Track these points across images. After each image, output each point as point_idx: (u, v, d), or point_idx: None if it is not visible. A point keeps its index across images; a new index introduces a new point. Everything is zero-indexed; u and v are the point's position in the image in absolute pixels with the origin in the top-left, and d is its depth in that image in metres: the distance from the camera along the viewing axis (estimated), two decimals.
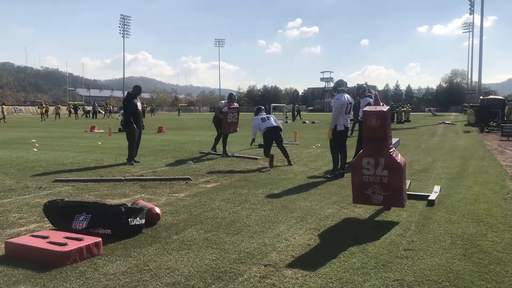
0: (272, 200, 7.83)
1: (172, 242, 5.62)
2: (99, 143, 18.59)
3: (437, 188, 8.60)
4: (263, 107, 15.52)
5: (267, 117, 14.35)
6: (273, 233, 5.96)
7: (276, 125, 13.87)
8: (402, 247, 5.47)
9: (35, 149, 16.08)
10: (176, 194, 8.32)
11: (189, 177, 9.92)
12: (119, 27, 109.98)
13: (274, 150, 13.40)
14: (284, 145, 13.75)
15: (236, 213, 6.92)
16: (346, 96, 10.78)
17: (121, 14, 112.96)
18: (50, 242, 5.17)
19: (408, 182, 8.59)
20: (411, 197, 7.87)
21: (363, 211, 7.07)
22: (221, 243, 5.58)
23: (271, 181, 9.65)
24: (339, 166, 10.70)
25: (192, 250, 5.37)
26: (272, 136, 13.70)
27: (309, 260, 5.08)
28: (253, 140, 13.79)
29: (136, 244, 5.55)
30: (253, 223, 6.37)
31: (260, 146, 16.76)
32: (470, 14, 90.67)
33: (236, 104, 15.48)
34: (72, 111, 58.80)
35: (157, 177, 9.90)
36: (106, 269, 4.83)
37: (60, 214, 6.07)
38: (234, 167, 11.80)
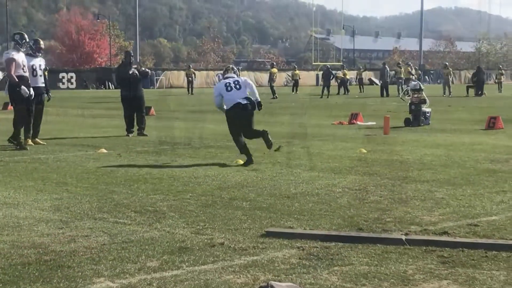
0: None
1: None
2: None
3: None
4: (231, 66, 13.34)
5: (234, 83, 11.90)
6: None
7: (243, 101, 11.75)
8: None
9: (241, 161, 12.13)
10: None
11: None
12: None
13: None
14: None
15: None
16: None
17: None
18: None
19: None
20: None
21: None
22: None
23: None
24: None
25: None
26: (238, 118, 11.84)
27: None
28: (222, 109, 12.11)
29: None
30: None
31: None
32: None
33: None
34: None
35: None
36: None
37: None
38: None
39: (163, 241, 6.21)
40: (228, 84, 11.90)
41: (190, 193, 8.80)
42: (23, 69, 13.68)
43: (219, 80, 12.40)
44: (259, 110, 12.16)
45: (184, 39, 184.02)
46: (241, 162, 11.63)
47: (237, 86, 11.85)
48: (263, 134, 11.99)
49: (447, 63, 53.41)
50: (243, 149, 11.75)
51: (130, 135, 16.86)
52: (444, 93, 45.03)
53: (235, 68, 13.14)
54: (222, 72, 12.54)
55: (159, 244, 6.10)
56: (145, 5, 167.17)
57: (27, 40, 14.01)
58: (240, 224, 6.95)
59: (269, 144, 11.99)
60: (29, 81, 14.01)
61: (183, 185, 9.50)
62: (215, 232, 6.58)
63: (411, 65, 50.22)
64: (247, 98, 11.88)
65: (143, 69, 17.46)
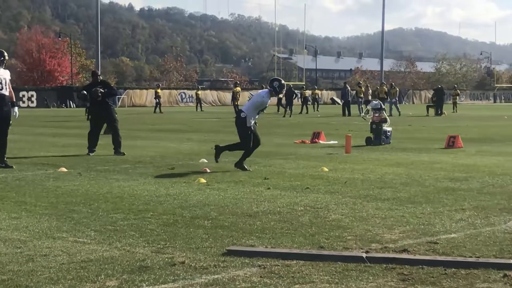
0: None
1: None
2: None
3: None
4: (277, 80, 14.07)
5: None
6: None
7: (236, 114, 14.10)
8: None
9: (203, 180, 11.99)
10: None
11: None
12: None
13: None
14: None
15: None
16: None
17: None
18: None
19: None
20: None
21: None
22: None
23: None
24: None
25: None
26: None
27: None
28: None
29: None
30: None
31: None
32: None
33: None
34: None
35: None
36: None
37: None
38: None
39: (123, 260, 6.15)
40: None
41: (151, 212, 8.73)
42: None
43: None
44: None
45: (146, 58, 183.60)
46: (203, 180, 11.61)
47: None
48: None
49: (393, 83, 53.95)
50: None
51: (91, 154, 16.69)
52: (399, 113, 45.23)
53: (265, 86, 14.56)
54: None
55: (119, 263, 6.04)
56: (107, 24, 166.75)
57: (6, 57, 13.77)
58: (201, 242, 6.92)
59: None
60: (12, 100, 13.86)
61: (144, 204, 9.43)
62: (176, 251, 6.53)
63: (385, 84, 50.41)
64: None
65: (96, 89, 17.13)
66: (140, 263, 6.05)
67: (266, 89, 13.85)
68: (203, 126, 32.53)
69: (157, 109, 53.32)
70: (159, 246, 6.78)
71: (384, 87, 47.26)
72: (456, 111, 51.16)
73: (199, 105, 59.22)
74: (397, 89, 49.70)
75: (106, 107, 17.17)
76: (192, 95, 73.89)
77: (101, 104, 17.00)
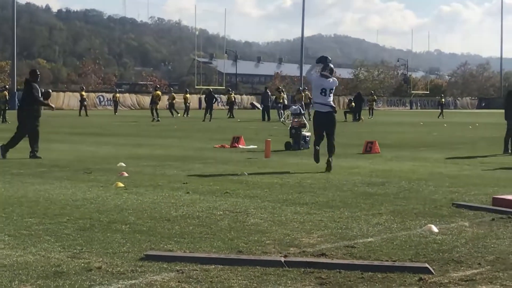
0: None
1: None
2: None
3: None
4: (331, 66, 13.76)
5: (330, 90, 13.38)
6: None
7: (326, 109, 13.35)
8: None
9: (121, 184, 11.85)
10: None
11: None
12: None
13: None
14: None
15: None
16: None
17: None
18: None
19: None
20: None
21: None
22: None
23: None
24: None
25: None
26: (322, 124, 13.68)
27: None
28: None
29: None
30: None
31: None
32: None
33: None
34: None
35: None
36: None
37: None
38: None
39: (38, 266, 5.99)
40: (324, 90, 13.28)
41: (68, 217, 8.55)
42: None
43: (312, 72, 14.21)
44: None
45: (64, 60, 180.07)
46: (121, 184, 11.45)
47: (330, 94, 13.40)
48: (330, 153, 13.87)
49: (300, 88, 53.62)
50: (316, 155, 13.87)
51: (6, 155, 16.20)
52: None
53: (332, 67, 13.82)
54: (316, 66, 13.89)
55: (33, 269, 5.88)
56: (23, 25, 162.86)
57: None
58: (118, 247, 6.81)
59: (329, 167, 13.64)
60: None
61: (60, 208, 9.23)
62: (92, 256, 6.41)
63: (301, 90, 50.30)
64: (331, 106, 13.46)
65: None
66: (56, 269, 5.91)
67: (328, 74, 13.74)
68: (121, 130, 32.16)
69: (82, 111, 52.47)
70: (75, 251, 6.64)
71: (302, 93, 47.48)
72: (372, 117, 52.12)
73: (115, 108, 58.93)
74: (303, 94, 49.36)
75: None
76: (110, 98, 72.87)
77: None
